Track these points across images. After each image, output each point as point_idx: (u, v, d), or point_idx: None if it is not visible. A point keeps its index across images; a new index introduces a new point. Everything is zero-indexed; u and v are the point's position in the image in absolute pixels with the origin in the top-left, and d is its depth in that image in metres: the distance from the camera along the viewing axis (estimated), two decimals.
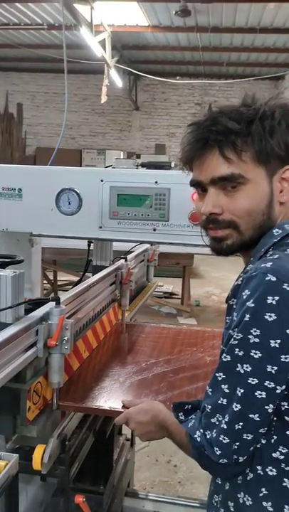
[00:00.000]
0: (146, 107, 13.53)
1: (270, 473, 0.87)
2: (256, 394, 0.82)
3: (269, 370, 0.81)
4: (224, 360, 0.87)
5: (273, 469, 0.86)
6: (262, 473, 0.88)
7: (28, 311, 1.24)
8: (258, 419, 0.84)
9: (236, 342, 0.84)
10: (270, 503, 0.87)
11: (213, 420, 0.89)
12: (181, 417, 1.01)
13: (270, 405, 0.83)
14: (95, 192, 1.57)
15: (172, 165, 1.67)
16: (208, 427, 0.90)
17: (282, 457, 0.85)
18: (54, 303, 1.24)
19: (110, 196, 1.57)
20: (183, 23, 8.59)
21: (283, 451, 0.85)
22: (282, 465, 0.85)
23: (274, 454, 0.86)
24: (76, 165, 11.49)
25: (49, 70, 12.56)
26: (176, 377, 1.47)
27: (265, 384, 0.81)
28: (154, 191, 1.54)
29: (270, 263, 0.82)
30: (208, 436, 0.89)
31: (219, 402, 0.87)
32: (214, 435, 0.88)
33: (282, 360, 0.80)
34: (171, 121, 13.50)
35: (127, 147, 13.34)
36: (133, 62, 11.21)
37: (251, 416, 0.84)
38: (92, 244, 2.01)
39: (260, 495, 0.88)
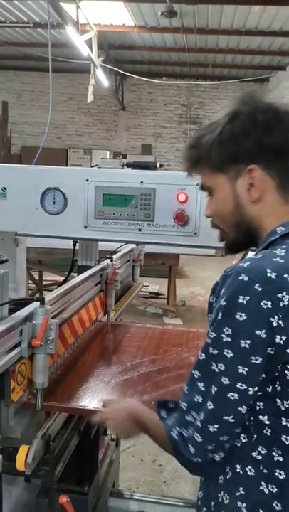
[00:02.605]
0: (133, 107, 13.53)
1: (249, 473, 0.86)
2: (229, 396, 0.82)
3: (240, 371, 0.81)
4: (200, 358, 0.87)
5: (252, 469, 0.86)
6: (241, 472, 0.87)
7: (12, 311, 1.23)
8: (233, 420, 0.84)
9: (210, 341, 0.84)
10: (244, 504, 0.86)
11: (188, 418, 0.88)
12: (162, 415, 1.01)
13: (244, 406, 0.83)
14: (80, 191, 1.57)
15: (158, 165, 1.68)
16: (184, 424, 0.89)
17: (260, 457, 0.85)
18: (39, 303, 1.23)
19: (96, 196, 1.56)
20: (169, 24, 8.61)
21: (262, 452, 0.85)
22: (260, 466, 0.85)
23: (253, 454, 0.86)
24: (62, 164, 11.42)
25: (35, 69, 12.47)
26: (161, 377, 1.48)
27: (237, 386, 0.81)
28: (140, 191, 1.55)
29: (248, 263, 0.83)
30: (184, 434, 0.89)
31: (195, 399, 0.87)
32: (190, 433, 0.88)
33: (253, 361, 0.80)
34: (158, 122, 13.52)
35: (114, 147, 13.32)
36: (119, 62, 11.20)
37: (225, 418, 0.84)
38: (77, 244, 2.01)
39: (237, 494, 0.87)
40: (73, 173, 1.63)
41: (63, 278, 1.90)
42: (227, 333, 0.81)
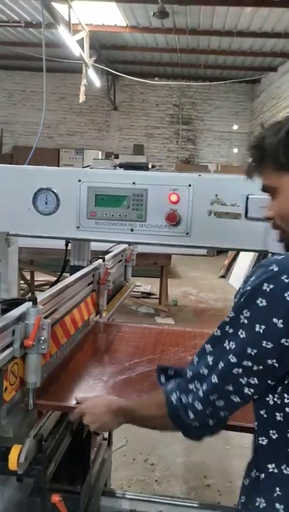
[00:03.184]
0: (125, 107, 13.54)
1: (285, 471, 0.86)
2: (234, 371, 0.87)
3: (249, 351, 0.84)
4: (215, 334, 0.91)
5: (288, 468, 0.86)
6: (276, 471, 0.87)
7: (4, 311, 1.23)
8: (231, 388, 0.88)
9: (228, 319, 0.89)
10: (282, 506, 0.85)
11: (190, 386, 0.93)
12: (162, 380, 1.07)
13: (245, 378, 0.87)
14: (72, 192, 1.57)
15: (150, 166, 1.69)
16: (185, 391, 0.94)
17: None
18: (31, 303, 1.24)
19: (88, 196, 1.57)
20: (161, 25, 8.64)
21: None
22: None
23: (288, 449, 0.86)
24: (54, 164, 11.40)
25: (26, 68, 12.43)
26: None
27: (243, 363, 0.86)
28: (132, 192, 1.55)
29: (283, 256, 0.86)
30: (183, 401, 0.94)
31: (201, 371, 0.92)
32: (190, 400, 0.93)
33: (263, 345, 0.83)
34: (150, 122, 13.55)
35: (106, 147, 13.32)
36: (111, 62, 11.20)
37: (226, 388, 0.89)
38: (69, 244, 2.01)
39: (274, 495, 0.86)
40: (66, 173, 1.63)
41: (55, 278, 1.90)
42: (245, 315, 0.85)
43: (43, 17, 4.82)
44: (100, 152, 12.16)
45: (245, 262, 7.94)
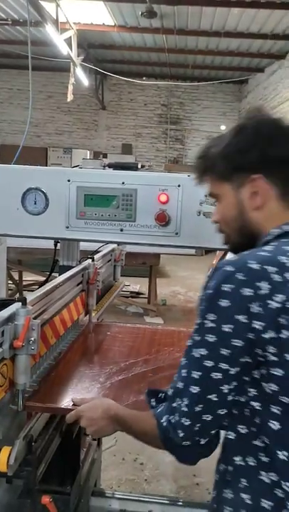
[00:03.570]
0: (113, 107, 13.51)
1: (251, 463, 0.89)
2: (212, 375, 0.87)
3: (222, 352, 0.85)
4: (187, 345, 0.92)
5: (254, 460, 0.88)
6: (242, 464, 0.89)
7: None
8: (216, 399, 0.87)
9: (195, 328, 0.90)
10: (248, 496, 0.88)
11: (174, 404, 0.92)
12: (152, 403, 1.04)
13: (226, 386, 0.87)
14: (61, 192, 1.57)
15: (139, 166, 1.69)
16: (171, 411, 0.93)
17: (262, 445, 0.87)
18: (20, 303, 1.23)
19: (77, 196, 1.56)
20: (149, 25, 8.64)
21: (265, 440, 0.87)
22: (261, 455, 0.87)
23: (254, 442, 0.88)
24: (42, 163, 11.33)
25: (13, 66, 12.32)
26: (155, 376, 1.49)
27: (220, 366, 0.86)
28: (121, 192, 1.55)
29: (236, 257, 0.90)
30: (172, 421, 0.92)
31: (178, 386, 0.92)
32: (177, 418, 0.91)
33: (234, 344, 0.84)
34: (138, 122, 13.54)
35: (94, 146, 13.27)
36: (99, 62, 11.17)
37: (209, 397, 0.88)
38: (58, 244, 2.00)
39: (240, 486, 0.89)
40: (55, 173, 1.63)
41: (43, 278, 1.89)
42: (211, 319, 0.86)
43: (29, 14, 4.77)
44: (88, 151, 12.12)
45: None
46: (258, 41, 9.23)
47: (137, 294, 7.06)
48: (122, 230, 1.58)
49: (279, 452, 0.84)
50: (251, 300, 0.83)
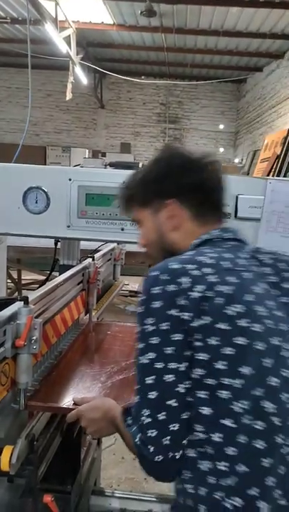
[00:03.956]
0: (112, 106, 13.50)
1: (189, 454, 0.90)
2: (165, 379, 0.89)
3: (168, 351, 0.89)
4: (135, 359, 0.95)
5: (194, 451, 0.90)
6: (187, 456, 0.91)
7: None
8: (176, 404, 0.89)
9: (138, 336, 0.94)
10: (191, 486, 0.90)
11: (140, 422, 0.91)
12: (128, 421, 1.02)
13: (180, 385, 0.89)
14: (63, 191, 1.56)
15: (140, 165, 1.69)
16: (139, 428, 0.92)
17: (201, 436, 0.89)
18: (22, 302, 1.23)
19: (78, 195, 1.56)
20: (148, 23, 8.63)
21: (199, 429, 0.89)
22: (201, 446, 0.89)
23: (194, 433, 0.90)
24: (40, 162, 11.31)
25: (12, 65, 12.29)
26: None
27: (169, 366, 0.89)
28: None
29: (159, 264, 0.98)
30: (142, 438, 0.91)
31: (136, 400, 0.93)
32: (145, 433, 0.90)
33: (175, 339, 0.89)
34: (137, 121, 13.53)
35: (92, 145, 13.26)
36: (98, 60, 11.15)
37: (168, 403, 0.89)
38: (58, 243, 2.00)
39: (185, 478, 0.91)
40: (56, 172, 1.62)
41: (42, 277, 1.89)
42: (149, 322, 0.92)
43: (28, 13, 4.77)
44: (87, 150, 12.10)
45: None
46: (256, 40, 9.23)
47: (135, 293, 7.06)
48: (123, 230, 1.58)
49: (213, 435, 0.87)
50: (176, 294, 0.91)
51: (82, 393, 1.34)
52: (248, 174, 8.20)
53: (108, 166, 1.66)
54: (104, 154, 11.14)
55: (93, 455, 2.02)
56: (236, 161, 12.00)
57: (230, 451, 0.86)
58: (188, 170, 1.09)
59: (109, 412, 1.13)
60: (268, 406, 0.87)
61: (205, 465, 0.88)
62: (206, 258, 0.97)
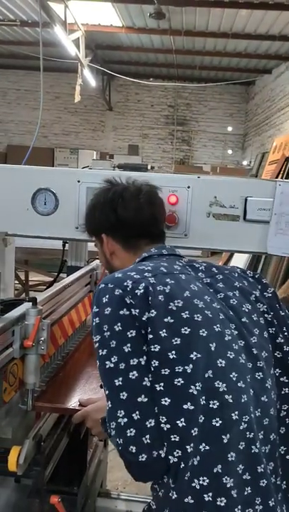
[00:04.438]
0: (120, 108, 13.53)
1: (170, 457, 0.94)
2: (130, 376, 0.94)
3: (126, 350, 0.96)
4: (98, 368, 0.99)
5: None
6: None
7: (2, 312, 1.22)
8: (146, 399, 0.93)
9: (97, 344, 1.00)
10: (162, 491, 0.96)
11: (113, 425, 0.93)
12: (109, 431, 1.00)
13: (146, 379, 0.94)
14: (71, 192, 1.57)
15: (148, 167, 1.69)
16: (116, 433, 0.93)
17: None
18: (30, 303, 1.23)
19: (87, 197, 1.56)
20: (157, 26, 8.64)
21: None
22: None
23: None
24: (48, 164, 11.36)
25: (21, 67, 12.38)
26: None
27: (131, 363, 0.95)
28: None
29: (105, 277, 1.08)
30: (121, 441, 0.92)
31: (108, 407, 0.96)
32: (123, 436, 0.92)
33: (130, 336, 0.96)
34: (145, 123, 13.55)
35: (100, 147, 13.30)
36: (107, 62, 11.19)
37: (139, 400, 0.93)
38: (66, 244, 2.01)
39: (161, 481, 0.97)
40: (65, 173, 1.63)
41: (49, 278, 1.90)
42: (105, 329, 0.99)
43: (40, 16, 4.79)
44: (95, 152, 12.14)
45: (239, 262, 7.95)
46: (265, 42, 9.20)
47: None
48: None
49: (178, 421, 0.91)
50: (123, 296, 0.99)
51: (88, 394, 1.34)
52: (256, 176, 8.17)
53: (116, 168, 1.66)
54: (112, 156, 11.17)
55: (100, 457, 2.02)
56: (245, 163, 11.97)
57: (194, 431, 0.91)
58: (108, 210, 1.21)
59: None
60: (220, 386, 0.94)
61: (175, 454, 0.91)
62: (144, 266, 1.08)
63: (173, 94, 13.34)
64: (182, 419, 0.91)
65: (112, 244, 1.23)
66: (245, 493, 0.92)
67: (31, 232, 1.61)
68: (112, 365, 0.96)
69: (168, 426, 0.92)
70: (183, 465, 0.91)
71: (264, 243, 1.52)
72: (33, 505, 1.27)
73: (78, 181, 1.57)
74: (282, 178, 6.24)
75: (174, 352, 0.95)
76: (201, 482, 0.89)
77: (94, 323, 1.02)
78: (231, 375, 0.97)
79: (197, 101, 13.39)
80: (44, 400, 1.29)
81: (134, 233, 1.21)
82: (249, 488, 0.92)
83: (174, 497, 0.92)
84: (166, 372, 0.94)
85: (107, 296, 1.01)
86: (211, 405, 0.93)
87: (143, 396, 0.93)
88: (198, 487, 0.89)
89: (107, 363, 0.97)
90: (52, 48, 8.25)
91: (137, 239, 1.22)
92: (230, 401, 0.94)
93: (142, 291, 0.99)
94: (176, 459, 0.91)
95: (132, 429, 0.91)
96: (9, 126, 13.46)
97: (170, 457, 0.92)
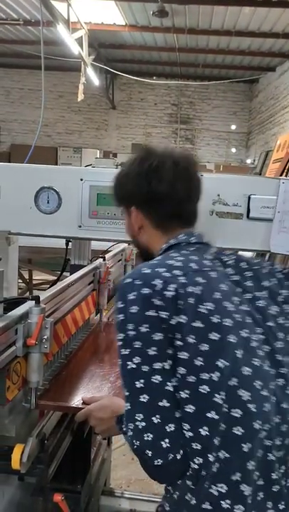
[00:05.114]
0: (123, 106, 13.52)
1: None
2: (153, 380, 0.91)
3: (151, 352, 0.92)
4: (120, 365, 0.96)
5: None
6: None
7: (5, 310, 1.22)
8: (168, 404, 0.91)
9: (120, 343, 0.96)
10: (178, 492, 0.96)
11: (131, 426, 0.92)
12: (124, 429, 1.01)
13: (169, 384, 0.92)
14: (74, 191, 1.57)
15: None
16: (133, 434, 0.92)
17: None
18: (33, 302, 1.23)
19: (90, 195, 1.57)
20: (160, 24, 8.63)
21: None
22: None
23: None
24: (52, 163, 11.37)
25: (24, 66, 12.38)
26: None
27: (155, 367, 0.92)
28: None
29: (131, 271, 1.03)
30: (137, 443, 0.91)
31: (126, 408, 0.94)
32: (140, 438, 0.90)
33: (156, 339, 0.92)
34: (148, 121, 13.53)
35: (104, 146, 13.29)
36: (110, 61, 11.18)
37: (161, 404, 0.91)
38: (70, 243, 2.01)
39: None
40: (68, 172, 1.63)
41: (52, 277, 1.90)
42: (130, 328, 0.94)
43: (41, 14, 4.79)
44: (98, 151, 12.13)
45: None
46: (269, 40, 9.16)
47: None
48: None
49: (201, 430, 0.90)
50: (151, 296, 0.94)
51: (91, 393, 1.34)
52: (260, 175, 8.14)
53: (120, 166, 1.66)
54: (115, 155, 11.16)
55: (103, 455, 2.02)
56: (248, 161, 11.93)
57: (217, 441, 0.90)
58: (143, 180, 1.11)
59: (118, 411, 1.12)
60: (244, 394, 0.92)
61: (196, 462, 0.91)
62: (174, 261, 1.01)
63: (176, 93, 13.31)
64: (205, 428, 0.90)
65: (141, 218, 1.15)
66: (258, 498, 0.92)
67: (34, 230, 1.61)
68: (134, 366, 0.93)
69: (190, 434, 0.91)
70: (204, 472, 0.90)
71: (267, 241, 1.52)
72: (37, 504, 1.28)
73: (81, 180, 1.57)
74: (285, 176, 6.21)
75: (200, 359, 0.92)
76: (219, 489, 0.89)
77: (118, 319, 0.97)
78: (255, 384, 0.94)
79: (200, 99, 13.35)
80: (47, 398, 1.29)
81: (166, 210, 1.13)
82: (262, 493, 0.92)
83: (192, 502, 0.91)
84: (192, 380, 0.91)
85: (134, 294, 0.96)
86: (233, 413, 0.91)
87: (165, 401, 0.91)
88: (216, 493, 0.89)
89: (128, 363, 0.94)
90: (55, 47, 8.25)
91: (169, 217, 1.13)
92: (254, 410, 0.92)
93: (172, 293, 0.94)
94: (196, 466, 0.90)
95: (149, 434, 0.90)
96: (13, 125, 13.48)
97: (191, 463, 0.91)
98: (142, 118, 13.54)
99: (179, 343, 0.92)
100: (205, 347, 0.92)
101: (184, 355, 0.92)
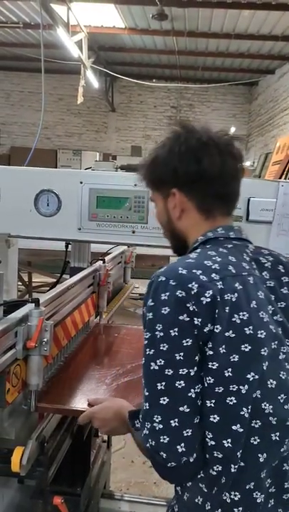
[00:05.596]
0: (123, 109, 13.54)
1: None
2: (176, 384, 0.89)
3: (178, 358, 0.89)
4: (143, 364, 0.94)
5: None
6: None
7: (5, 313, 1.23)
8: (188, 409, 0.89)
9: (147, 342, 0.93)
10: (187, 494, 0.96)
11: (148, 426, 0.91)
12: (137, 425, 1.01)
13: (192, 391, 0.89)
14: (74, 193, 1.58)
15: None
16: (149, 434, 0.91)
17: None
18: (33, 304, 1.24)
19: (89, 198, 1.57)
20: (159, 27, 8.65)
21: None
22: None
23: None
24: (51, 165, 11.39)
25: (24, 69, 12.40)
26: None
27: (180, 372, 0.89)
28: (133, 194, 1.56)
29: (164, 267, 0.97)
30: (152, 443, 0.90)
31: (145, 408, 0.92)
32: (155, 439, 0.89)
33: (185, 345, 0.89)
34: (148, 124, 13.55)
35: (103, 148, 13.31)
36: (109, 64, 11.20)
37: (181, 409, 0.89)
38: (69, 245, 2.01)
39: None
40: (67, 175, 1.64)
41: (52, 280, 1.90)
42: (158, 329, 0.91)
43: (41, 17, 4.81)
44: (98, 153, 12.14)
45: None
46: (268, 43, 9.19)
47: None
48: (134, 232, 1.58)
49: (224, 441, 0.88)
50: (186, 300, 0.90)
51: (87, 395, 1.34)
52: (259, 177, 8.16)
53: (119, 169, 1.66)
54: (114, 157, 11.17)
55: (103, 458, 2.02)
56: (248, 163, 11.92)
57: (239, 453, 0.89)
58: (190, 158, 1.01)
59: (120, 411, 1.13)
60: (266, 407, 0.91)
61: (216, 469, 0.90)
62: (212, 263, 0.96)
63: (176, 95, 13.34)
64: (229, 440, 0.89)
65: (184, 201, 1.05)
66: (269, 505, 0.92)
67: (34, 233, 1.62)
68: (156, 368, 0.90)
69: (213, 442, 0.89)
70: (224, 480, 0.90)
71: (266, 244, 1.52)
72: (36, 506, 1.27)
73: (81, 182, 1.58)
74: (285, 178, 6.22)
75: (230, 369, 0.89)
76: (232, 497, 0.89)
77: (147, 317, 0.93)
78: (279, 397, 0.92)
79: (200, 102, 13.38)
80: (47, 400, 1.29)
81: (213, 191, 1.03)
82: (273, 500, 0.93)
83: (204, 506, 0.92)
84: (220, 390, 0.89)
85: (167, 294, 0.91)
86: (253, 424, 0.90)
87: (186, 406, 0.88)
88: (228, 501, 0.90)
89: (152, 364, 0.91)
90: (55, 50, 8.28)
91: (214, 200, 1.04)
92: (274, 423, 0.91)
93: (208, 299, 0.90)
94: (215, 473, 0.90)
95: (165, 437, 0.88)
96: (13, 128, 13.50)
97: (209, 470, 0.90)
98: (141, 120, 13.56)
99: (209, 352, 0.90)
100: (235, 358, 0.90)
101: (213, 365, 0.89)
